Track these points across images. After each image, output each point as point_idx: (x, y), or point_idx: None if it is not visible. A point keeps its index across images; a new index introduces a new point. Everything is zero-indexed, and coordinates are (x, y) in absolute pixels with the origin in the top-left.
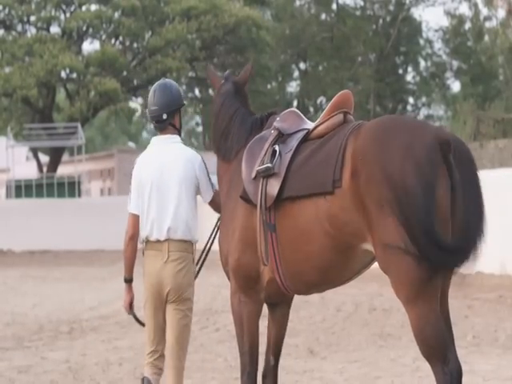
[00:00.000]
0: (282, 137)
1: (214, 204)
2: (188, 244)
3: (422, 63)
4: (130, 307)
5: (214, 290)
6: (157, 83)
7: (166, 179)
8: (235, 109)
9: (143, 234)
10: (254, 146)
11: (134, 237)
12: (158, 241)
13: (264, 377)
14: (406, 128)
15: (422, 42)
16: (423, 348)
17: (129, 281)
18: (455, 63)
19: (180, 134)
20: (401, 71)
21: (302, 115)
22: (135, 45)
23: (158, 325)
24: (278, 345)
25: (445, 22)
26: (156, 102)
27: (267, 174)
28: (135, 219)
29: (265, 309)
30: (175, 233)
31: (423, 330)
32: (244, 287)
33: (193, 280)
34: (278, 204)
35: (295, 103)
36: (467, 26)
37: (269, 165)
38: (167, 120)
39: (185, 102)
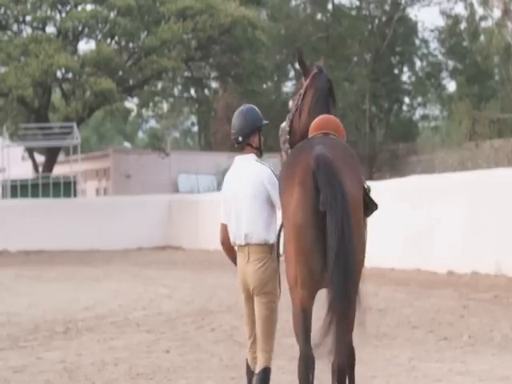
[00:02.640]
0: None
1: None
2: (265, 246)
3: (418, 63)
4: None
5: (210, 290)
6: (237, 109)
7: (240, 193)
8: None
9: (231, 240)
10: None
11: (223, 242)
12: (241, 245)
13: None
14: (297, 152)
15: (417, 41)
16: None
17: None
18: (451, 63)
19: (260, 151)
20: (396, 71)
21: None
22: (131, 45)
23: (248, 314)
24: None
25: (440, 21)
26: (233, 126)
27: None
28: (223, 227)
29: None
30: (251, 238)
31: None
32: None
33: (274, 276)
34: None
35: (290, 103)
36: (463, 25)
37: None
38: (243, 141)
39: (264, 123)
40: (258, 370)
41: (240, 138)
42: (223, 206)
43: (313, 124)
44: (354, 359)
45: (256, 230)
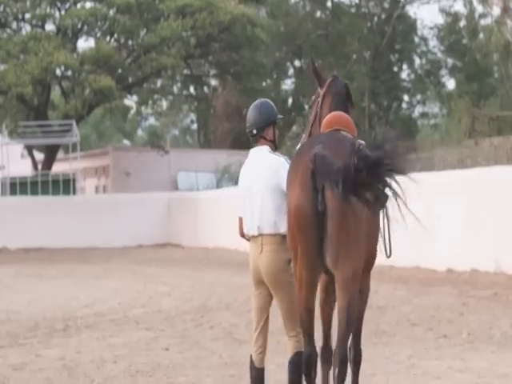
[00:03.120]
0: None
1: None
2: (277, 237)
3: (417, 61)
4: None
5: (209, 288)
6: (253, 103)
7: (253, 184)
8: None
9: (245, 231)
10: None
11: (241, 234)
12: (254, 236)
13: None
14: (302, 150)
15: (416, 39)
16: None
17: None
18: (450, 61)
19: (274, 144)
20: (396, 69)
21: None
22: (130, 42)
23: (258, 304)
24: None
25: (440, 19)
26: (248, 119)
27: None
28: (240, 220)
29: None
30: (264, 229)
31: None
32: None
33: (286, 265)
34: None
35: (290, 101)
36: (462, 23)
37: None
38: (257, 134)
39: (278, 117)
40: (289, 355)
41: (254, 131)
42: (240, 199)
43: (324, 121)
44: (360, 356)
45: (268, 220)
